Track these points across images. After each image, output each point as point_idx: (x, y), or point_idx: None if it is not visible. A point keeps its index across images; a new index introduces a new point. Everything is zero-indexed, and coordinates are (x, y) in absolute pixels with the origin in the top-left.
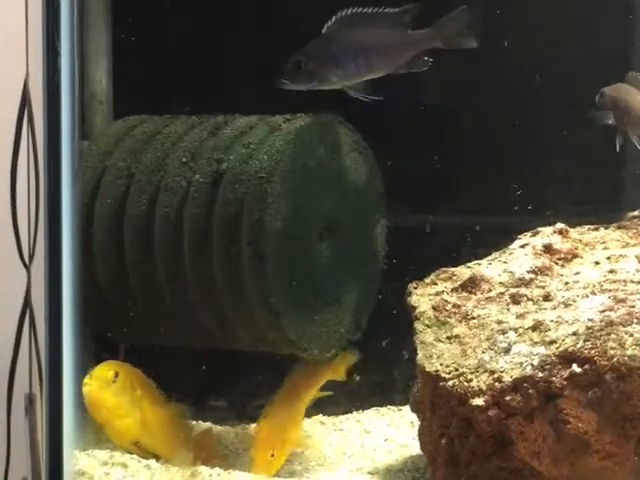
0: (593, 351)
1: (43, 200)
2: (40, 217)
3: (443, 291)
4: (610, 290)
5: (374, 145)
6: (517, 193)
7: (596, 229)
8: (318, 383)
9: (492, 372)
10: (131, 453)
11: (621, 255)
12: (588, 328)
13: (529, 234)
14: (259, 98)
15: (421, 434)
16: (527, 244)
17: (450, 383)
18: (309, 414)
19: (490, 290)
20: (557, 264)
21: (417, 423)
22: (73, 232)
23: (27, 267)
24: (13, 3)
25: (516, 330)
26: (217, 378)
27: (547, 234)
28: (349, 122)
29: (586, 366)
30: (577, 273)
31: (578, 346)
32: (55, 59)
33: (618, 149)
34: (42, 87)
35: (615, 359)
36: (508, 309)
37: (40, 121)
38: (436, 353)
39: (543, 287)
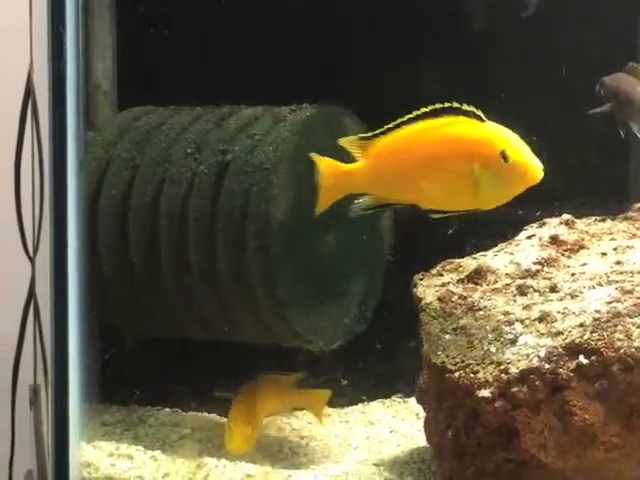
0: (600, 342)
1: (48, 192)
2: (44, 210)
3: (449, 282)
4: (617, 281)
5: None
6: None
7: (602, 220)
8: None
9: (498, 364)
10: None
11: (628, 246)
12: (595, 319)
13: (535, 225)
14: (263, 89)
15: (427, 426)
16: (533, 235)
17: (456, 375)
18: None
19: (496, 281)
20: (563, 255)
21: (422, 415)
22: (78, 223)
23: (31, 259)
24: None
25: (522, 321)
26: (223, 370)
27: (553, 225)
28: (355, 113)
29: (593, 357)
30: (584, 264)
31: (585, 337)
32: (61, 50)
33: (623, 136)
34: (47, 78)
35: (622, 350)
36: (514, 300)
37: (44, 112)
38: (442, 345)
39: (549, 278)
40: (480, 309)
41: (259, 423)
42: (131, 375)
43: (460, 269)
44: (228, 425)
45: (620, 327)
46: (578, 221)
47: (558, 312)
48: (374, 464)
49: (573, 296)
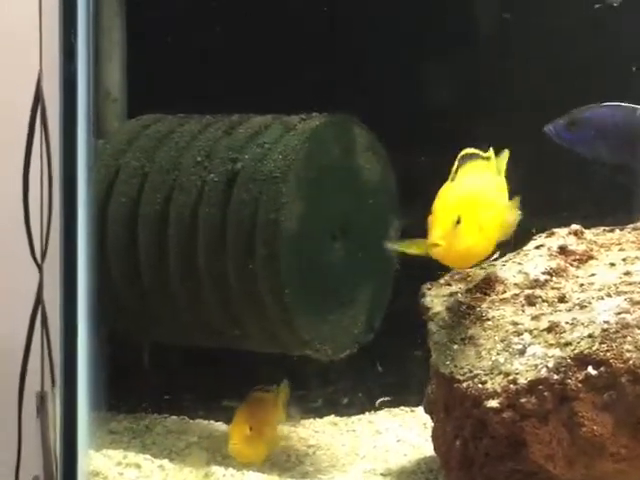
0: (609, 353)
1: (58, 199)
2: (52, 216)
3: (457, 292)
4: (626, 292)
5: (388, 145)
6: None
7: (611, 230)
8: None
9: (507, 374)
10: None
11: (637, 257)
12: (604, 330)
13: (544, 235)
14: (274, 98)
15: (435, 436)
16: (542, 245)
17: (464, 385)
18: (321, 414)
19: (505, 291)
20: (572, 265)
21: (430, 424)
22: (88, 230)
23: (39, 266)
24: (26, 1)
25: (531, 332)
26: (231, 379)
27: (562, 235)
28: (364, 122)
29: (602, 368)
30: (592, 275)
31: (594, 348)
32: (71, 56)
33: None
34: (57, 84)
35: (631, 362)
36: (523, 310)
37: (53, 119)
38: (450, 355)
39: (558, 288)
40: (488, 319)
41: (269, 433)
42: (138, 382)
43: (468, 279)
44: (234, 434)
45: (629, 338)
46: (587, 231)
47: (567, 323)
48: (381, 474)
49: (582, 307)
